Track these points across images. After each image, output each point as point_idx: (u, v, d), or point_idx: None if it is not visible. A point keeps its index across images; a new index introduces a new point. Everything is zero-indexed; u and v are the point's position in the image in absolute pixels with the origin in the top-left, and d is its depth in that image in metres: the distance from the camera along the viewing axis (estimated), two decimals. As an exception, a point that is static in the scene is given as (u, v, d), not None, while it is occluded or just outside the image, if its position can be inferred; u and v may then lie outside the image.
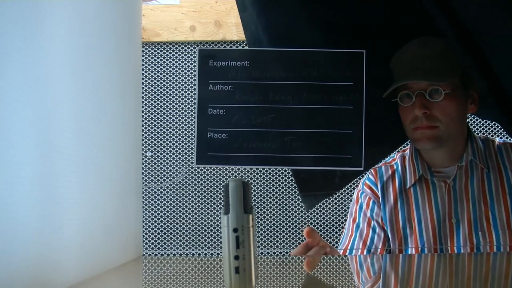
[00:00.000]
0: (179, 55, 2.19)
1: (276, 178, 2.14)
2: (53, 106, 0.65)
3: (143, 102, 2.13)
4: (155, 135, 2.17)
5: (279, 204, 2.14)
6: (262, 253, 2.11)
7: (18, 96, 0.57)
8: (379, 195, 1.32)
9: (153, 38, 2.16)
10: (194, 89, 2.17)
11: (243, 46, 2.13)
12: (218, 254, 2.11)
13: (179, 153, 2.17)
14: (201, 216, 2.14)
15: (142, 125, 2.04)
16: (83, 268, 0.74)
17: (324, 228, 2.12)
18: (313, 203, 1.40)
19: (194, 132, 2.12)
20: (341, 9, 1.24)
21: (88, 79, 0.78)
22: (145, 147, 2.16)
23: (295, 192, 2.12)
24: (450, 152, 1.26)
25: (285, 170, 2.12)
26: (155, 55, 2.19)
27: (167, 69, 2.19)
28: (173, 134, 2.17)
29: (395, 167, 1.34)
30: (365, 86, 0.99)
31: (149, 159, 2.16)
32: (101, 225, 0.81)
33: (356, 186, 1.43)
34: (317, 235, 1.11)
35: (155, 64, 2.19)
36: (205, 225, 2.14)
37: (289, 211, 2.13)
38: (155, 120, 2.18)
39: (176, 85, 2.18)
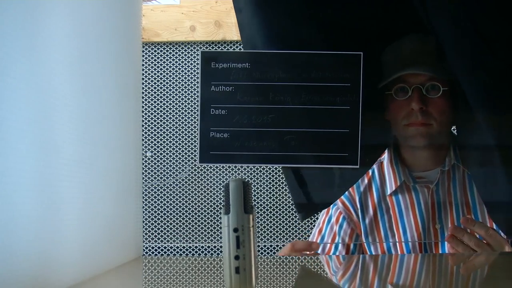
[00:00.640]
0: (179, 55, 2.19)
1: (276, 178, 2.14)
2: (53, 106, 0.65)
3: (143, 102, 2.13)
4: (155, 135, 2.17)
5: (279, 204, 2.14)
6: (262, 253, 2.11)
7: (18, 96, 0.57)
8: (358, 207, 1.27)
9: (153, 38, 2.16)
10: (194, 89, 2.17)
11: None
12: (217, 249, 2.11)
13: (179, 153, 2.17)
14: (201, 216, 2.14)
15: (142, 125, 2.04)
16: (83, 268, 0.74)
17: (324, 228, 2.12)
18: (307, 215, 1.36)
19: (195, 132, 2.12)
20: (339, 11, 1.23)
21: (88, 79, 0.78)
22: (145, 147, 2.16)
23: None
24: (434, 154, 1.23)
25: (285, 170, 2.12)
26: (155, 55, 2.19)
27: (167, 69, 2.19)
28: (173, 134, 2.17)
29: (370, 174, 1.28)
30: (362, 87, 0.99)
31: (149, 159, 2.16)
32: (101, 225, 0.81)
33: None
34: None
35: (155, 64, 2.19)
36: (205, 225, 2.14)
37: (289, 211, 2.13)
38: (155, 120, 2.18)
39: (176, 85, 2.19)
